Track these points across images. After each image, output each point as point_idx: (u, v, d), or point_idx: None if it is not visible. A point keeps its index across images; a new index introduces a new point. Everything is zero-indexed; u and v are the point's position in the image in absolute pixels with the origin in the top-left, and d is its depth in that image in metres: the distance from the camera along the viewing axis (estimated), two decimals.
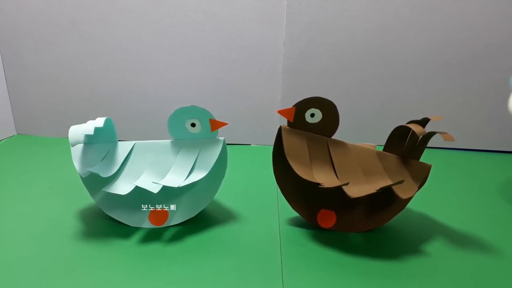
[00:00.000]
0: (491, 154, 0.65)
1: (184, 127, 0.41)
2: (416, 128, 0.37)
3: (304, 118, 0.39)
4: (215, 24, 0.61)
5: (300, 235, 0.41)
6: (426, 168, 0.40)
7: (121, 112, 0.67)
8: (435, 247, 0.40)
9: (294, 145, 0.39)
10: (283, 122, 0.66)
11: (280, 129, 0.40)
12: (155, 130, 0.65)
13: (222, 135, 0.42)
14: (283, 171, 0.41)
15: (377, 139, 0.55)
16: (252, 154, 0.64)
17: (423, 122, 0.40)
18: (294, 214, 0.44)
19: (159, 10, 0.61)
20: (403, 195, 0.37)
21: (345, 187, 0.37)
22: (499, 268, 0.37)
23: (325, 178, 0.38)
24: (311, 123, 0.40)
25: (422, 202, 0.48)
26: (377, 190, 0.37)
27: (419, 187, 0.39)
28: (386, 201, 0.40)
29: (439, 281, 0.35)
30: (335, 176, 0.39)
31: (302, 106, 0.39)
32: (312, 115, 0.39)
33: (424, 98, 0.64)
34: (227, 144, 0.42)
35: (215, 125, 0.40)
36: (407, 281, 0.35)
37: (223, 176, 0.43)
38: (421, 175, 0.40)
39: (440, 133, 0.38)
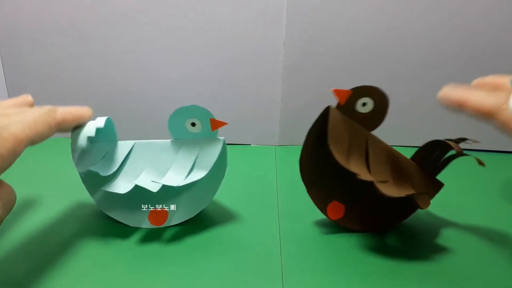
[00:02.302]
0: (491, 154, 0.65)
1: (184, 126, 0.41)
2: (455, 147, 0.37)
3: (355, 105, 0.38)
4: (215, 24, 0.61)
5: (300, 235, 0.41)
6: (439, 186, 0.40)
7: (121, 112, 0.67)
8: (435, 247, 0.39)
9: (338, 130, 0.38)
10: (283, 122, 0.66)
11: (327, 109, 0.38)
12: (155, 130, 0.65)
13: (222, 135, 0.42)
14: (313, 153, 0.39)
15: None
16: (252, 154, 0.64)
17: (459, 141, 0.39)
18: (294, 214, 0.44)
19: (159, 10, 0.61)
20: (422, 205, 0.37)
21: (378, 183, 0.36)
22: (499, 268, 0.37)
23: (358, 171, 0.37)
24: (359, 112, 0.38)
25: None
26: (406, 195, 0.36)
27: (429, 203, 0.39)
28: (397, 208, 0.40)
29: (439, 281, 0.35)
30: (368, 171, 0.38)
31: (359, 92, 0.37)
32: (364, 104, 0.38)
33: (424, 98, 0.64)
34: (227, 144, 0.42)
35: (215, 124, 0.40)
36: (407, 281, 0.35)
37: (223, 176, 0.42)
38: (432, 192, 0.40)
39: (476, 158, 0.37)
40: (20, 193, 0.49)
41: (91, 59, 0.65)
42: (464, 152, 0.38)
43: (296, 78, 0.63)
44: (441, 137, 0.39)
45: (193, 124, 0.41)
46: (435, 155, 0.39)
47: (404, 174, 0.39)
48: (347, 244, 0.40)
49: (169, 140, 0.42)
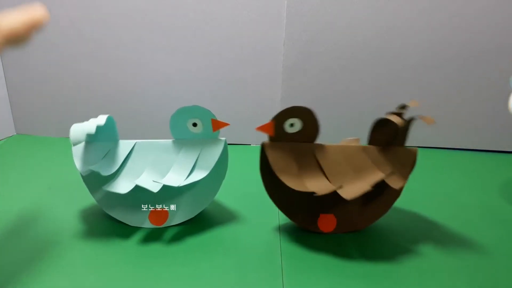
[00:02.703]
0: (491, 154, 0.65)
1: (185, 126, 0.41)
2: (395, 119, 0.37)
3: (284, 129, 0.39)
4: (215, 24, 0.61)
5: (300, 235, 0.41)
6: (413, 153, 0.40)
7: (121, 112, 0.67)
8: (435, 248, 0.39)
9: (280, 159, 0.39)
10: None
11: (262, 145, 0.39)
12: (155, 130, 0.66)
13: (222, 135, 0.42)
14: (274, 186, 0.40)
15: None
16: (252, 154, 0.64)
17: (402, 109, 0.39)
18: None
19: (159, 10, 0.61)
20: (395, 185, 0.37)
21: (339, 190, 0.37)
22: (499, 268, 0.37)
23: (317, 185, 0.38)
24: (292, 133, 0.39)
25: (421, 202, 0.48)
26: (371, 187, 0.37)
27: (409, 173, 0.39)
28: (380, 193, 0.40)
29: (439, 281, 0.35)
30: (327, 180, 0.39)
31: (280, 118, 0.38)
32: (292, 125, 0.39)
33: (424, 98, 0.64)
34: (227, 144, 0.42)
35: (216, 125, 0.40)
36: (407, 281, 0.35)
37: (224, 177, 0.43)
38: (408, 161, 0.39)
39: (420, 117, 0.37)
40: (21, 193, 0.49)
41: (91, 59, 0.65)
42: (413, 118, 0.38)
43: (296, 78, 0.63)
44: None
45: (195, 125, 0.40)
46: (389, 130, 0.39)
47: (367, 162, 0.40)
48: (347, 244, 0.40)
49: (170, 140, 0.42)
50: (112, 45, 0.64)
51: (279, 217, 0.44)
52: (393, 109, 0.40)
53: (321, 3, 0.59)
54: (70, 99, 0.68)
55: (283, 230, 0.42)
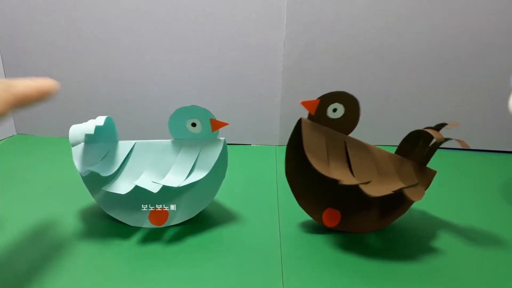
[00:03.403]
0: (491, 154, 0.65)
1: (184, 127, 0.41)
2: (435, 134, 0.37)
3: (326, 112, 0.38)
4: (215, 24, 0.61)
5: (300, 235, 0.41)
6: (431, 174, 0.40)
7: (121, 112, 0.67)
8: (436, 247, 0.40)
9: (313, 140, 0.38)
10: (283, 122, 0.66)
11: (300, 121, 0.39)
12: (155, 130, 0.66)
13: (222, 135, 0.42)
14: (297, 165, 0.40)
15: (377, 139, 0.55)
16: (252, 154, 0.64)
17: (439, 127, 0.39)
18: (295, 214, 0.44)
19: (159, 10, 0.61)
20: (413, 198, 0.37)
21: (362, 185, 0.36)
22: (499, 268, 0.37)
23: (341, 175, 0.37)
24: (332, 118, 0.38)
25: (422, 201, 0.48)
26: (393, 191, 0.36)
27: (424, 192, 0.39)
28: (393, 203, 0.40)
29: (439, 281, 0.35)
30: (351, 174, 0.38)
31: (327, 99, 0.38)
32: (334, 110, 0.38)
33: (425, 98, 0.64)
34: (227, 144, 0.42)
35: (215, 125, 0.40)
36: (408, 281, 0.35)
37: (224, 177, 0.43)
38: (426, 181, 0.40)
39: (457, 140, 0.37)
40: (20, 193, 0.49)
41: (91, 59, 0.65)
42: (449, 138, 0.38)
43: (296, 78, 0.63)
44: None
45: (194, 125, 0.41)
46: (419, 145, 0.40)
47: (391, 170, 0.39)
48: (347, 244, 0.40)
49: (169, 140, 0.42)
50: (112, 45, 0.64)
51: (279, 217, 0.44)
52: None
53: (321, 3, 0.59)
54: (71, 99, 0.68)
55: (283, 230, 0.42)
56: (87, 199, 0.44)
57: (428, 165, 0.41)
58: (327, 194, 0.41)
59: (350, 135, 0.40)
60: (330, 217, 0.41)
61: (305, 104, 0.38)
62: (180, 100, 0.65)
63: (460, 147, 0.37)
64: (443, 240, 0.41)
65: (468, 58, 0.61)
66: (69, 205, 0.46)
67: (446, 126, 0.39)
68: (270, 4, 0.60)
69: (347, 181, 0.37)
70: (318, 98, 0.38)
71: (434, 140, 0.38)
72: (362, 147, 0.40)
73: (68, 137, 0.40)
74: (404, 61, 0.62)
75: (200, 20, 0.61)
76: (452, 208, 0.47)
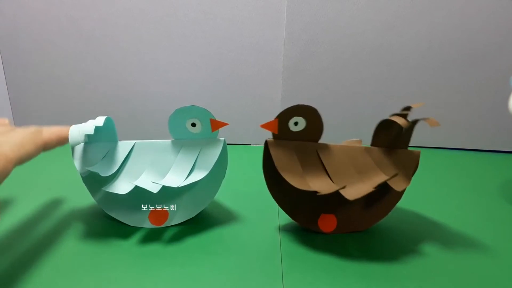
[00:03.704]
0: (491, 154, 0.65)
1: (184, 127, 0.41)
2: (399, 121, 0.37)
3: (288, 127, 0.39)
4: (215, 24, 0.61)
5: (300, 235, 0.41)
6: (415, 156, 0.40)
7: (121, 112, 0.67)
8: (435, 248, 0.39)
9: (283, 157, 0.39)
10: None
11: (266, 143, 0.39)
12: (155, 130, 0.65)
13: (221, 135, 0.42)
14: (277, 185, 0.40)
15: None
16: (252, 154, 0.64)
17: (406, 110, 0.39)
18: None
19: (159, 10, 0.61)
20: (398, 187, 0.37)
21: (342, 190, 0.37)
22: (499, 268, 0.37)
23: (320, 184, 0.38)
24: (296, 131, 0.39)
25: (421, 202, 0.48)
26: (374, 188, 0.37)
27: (412, 176, 0.39)
28: (382, 195, 0.40)
29: (439, 281, 0.35)
30: (330, 180, 0.39)
31: (284, 116, 0.38)
32: (296, 123, 0.39)
33: (425, 98, 0.64)
34: (227, 144, 0.42)
35: (215, 125, 0.40)
36: (408, 281, 0.35)
37: (224, 177, 0.42)
38: (411, 164, 0.39)
39: (424, 119, 0.37)
40: (20, 193, 0.49)
41: (91, 59, 0.65)
42: (416, 120, 0.38)
43: (296, 78, 0.63)
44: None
45: (193, 125, 0.40)
46: (392, 132, 0.39)
47: (370, 164, 0.39)
48: (347, 245, 0.40)
49: (169, 140, 0.42)
50: (112, 45, 0.64)
51: (279, 217, 0.44)
52: (397, 111, 0.40)
53: (321, 3, 0.59)
54: (71, 99, 0.68)
55: (283, 230, 0.42)
56: (87, 199, 0.44)
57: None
58: (316, 203, 0.41)
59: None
60: (326, 223, 0.41)
61: (265, 126, 0.39)
62: (180, 99, 0.65)
63: (430, 126, 0.36)
64: (442, 240, 0.41)
65: (468, 58, 0.61)
66: (69, 205, 0.46)
67: (411, 109, 0.39)
68: (270, 4, 0.60)
69: (326, 189, 0.37)
70: (276, 117, 0.39)
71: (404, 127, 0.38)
72: (335, 150, 0.40)
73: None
74: (404, 61, 0.62)
75: (200, 20, 0.61)
76: (452, 208, 0.47)
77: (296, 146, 0.39)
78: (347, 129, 0.64)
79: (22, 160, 0.32)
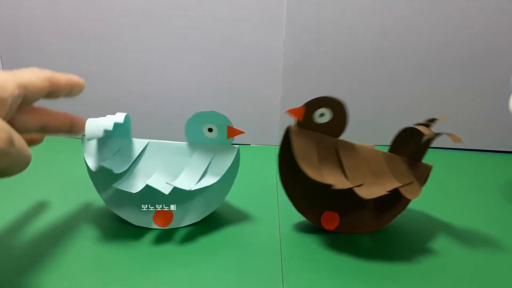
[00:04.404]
0: (491, 154, 0.65)
1: (200, 131, 0.40)
2: (425, 131, 0.37)
3: (313, 118, 0.38)
4: (215, 24, 0.61)
5: (300, 235, 0.41)
6: (428, 169, 0.40)
7: (121, 112, 0.67)
8: (436, 247, 0.40)
9: (303, 146, 0.38)
10: (283, 122, 0.66)
11: (288, 129, 0.39)
12: (155, 130, 0.66)
13: None
14: (290, 172, 0.40)
15: (378, 139, 0.55)
16: (252, 154, 0.64)
17: (430, 122, 0.39)
18: (295, 214, 0.44)
19: (159, 10, 0.61)
20: (409, 196, 0.37)
21: (357, 188, 0.36)
22: (500, 267, 0.37)
23: (335, 179, 0.37)
24: (320, 123, 0.38)
25: (422, 202, 0.48)
26: (388, 192, 0.36)
27: (421, 188, 0.39)
28: (390, 202, 0.40)
29: (440, 281, 0.35)
30: (345, 177, 0.38)
31: (312, 105, 0.38)
32: (321, 115, 0.38)
33: (425, 98, 0.64)
34: None
35: (231, 132, 0.40)
36: (408, 281, 0.35)
37: (233, 183, 0.43)
38: (423, 176, 0.40)
39: (447, 134, 0.37)
40: (23, 193, 0.49)
41: (91, 59, 0.65)
42: (440, 133, 0.38)
43: (296, 78, 0.64)
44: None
45: (210, 130, 0.40)
46: (412, 142, 0.39)
47: (385, 169, 0.39)
48: (348, 245, 0.40)
49: (184, 143, 0.42)
50: (112, 46, 0.64)
51: (279, 217, 0.44)
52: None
53: (321, 3, 0.59)
54: (70, 99, 0.68)
55: (284, 230, 0.42)
56: (91, 199, 0.44)
57: (427, 164, 0.41)
58: (324, 198, 0.41)
59: (348, 136, 0.40)
60: (328, 219, 0.41)
61: (291, 112, 0.38)
62: (180, 100, 0.65)
63: (453, 142, 0.37)
64: (442, 241, 0.41)
65: (468, 59, 0.61)
66: (70, 205, 0.46)
67: (436, 121, 0.40)
68: (270, 4, 0.60)
69: (341, 185, 0.37)
70: (304, 104, 0.38)
71: (425, 137, 0.38)
72: (354, 149, 0.40)
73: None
74: (405, 61, 0.62)
75: (200, 20, 0.61)
76: (452, 208, 0.47)
77: (317, 138, 0.39)
78: (347, 129, 0.65)
79: (25, 86, 0.29)
